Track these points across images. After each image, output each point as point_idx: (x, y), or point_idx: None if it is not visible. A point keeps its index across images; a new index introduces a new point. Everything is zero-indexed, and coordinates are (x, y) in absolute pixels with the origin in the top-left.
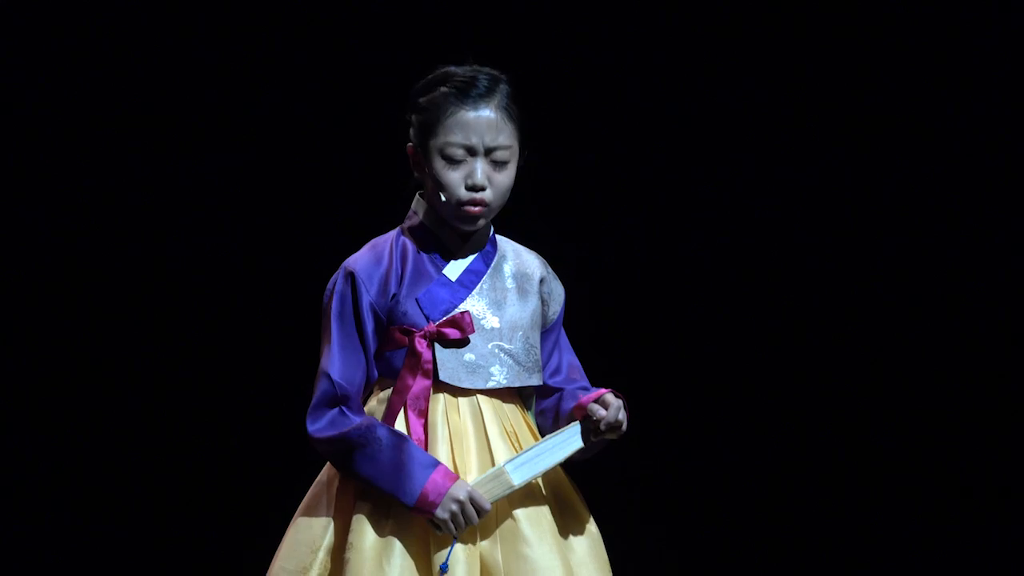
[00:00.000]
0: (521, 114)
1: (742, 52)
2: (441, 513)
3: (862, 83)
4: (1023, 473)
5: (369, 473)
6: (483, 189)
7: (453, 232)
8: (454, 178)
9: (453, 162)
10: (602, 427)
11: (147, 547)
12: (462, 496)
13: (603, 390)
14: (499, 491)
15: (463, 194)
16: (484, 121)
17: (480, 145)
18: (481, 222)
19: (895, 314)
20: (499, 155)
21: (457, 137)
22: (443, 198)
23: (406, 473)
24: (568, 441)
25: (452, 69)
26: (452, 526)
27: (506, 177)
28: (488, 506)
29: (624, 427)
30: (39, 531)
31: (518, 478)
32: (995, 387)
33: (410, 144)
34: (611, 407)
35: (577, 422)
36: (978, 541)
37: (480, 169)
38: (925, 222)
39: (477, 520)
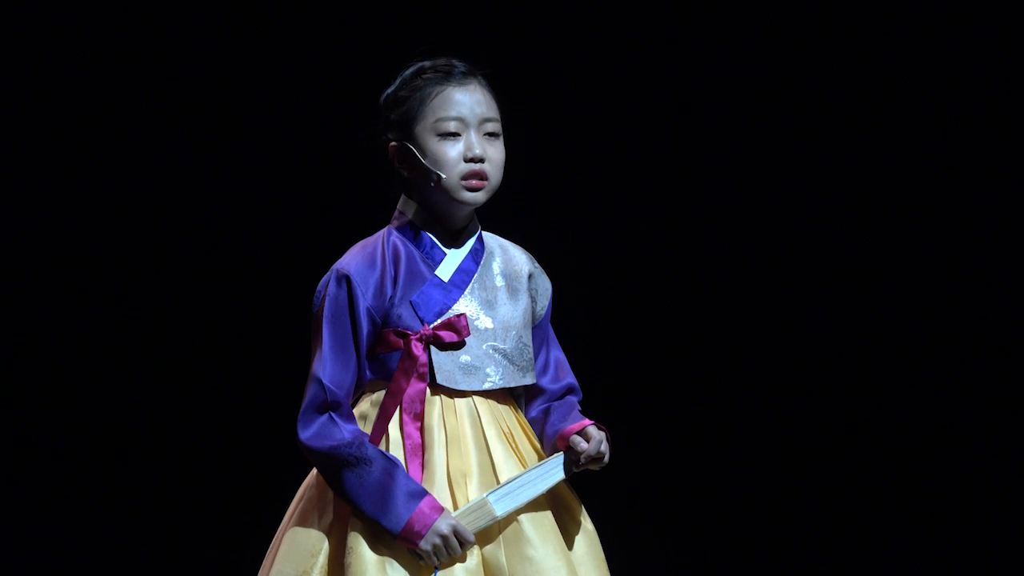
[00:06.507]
0: (500, 102)
1: (728, 40)
2: (424, 545)
3: (848, 78)
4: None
5: (355, 495)
6: (482, 160)
7: (443, 229)
8: (452, 154)
9: (448, 135)
10: (583, 460)
11: (134, 547)
12: (446, 530)
13: (586, 421)
14: (482, 522)
15: (463, 167)
16: (472, 94)
17: (471, 116)
18: (481, 197)
19: (892, 314)
20: (490, 127)
21: (449, 111)
22: (443, 176)
23: (392, 502)
24: (551, 472)
25: (424, 64)
26: (435, 558)
27: (500, 152)
28: (472, 538)
29: (606, 459)
30: (36, 531)
31: (501, 509)
32: (995, 387)
33: (393, 144)
34: (593, 440)
35: (560, 453)
36: (978, 541)
37: (476, 141)
38: (903, 224)
39: (460, 552)
